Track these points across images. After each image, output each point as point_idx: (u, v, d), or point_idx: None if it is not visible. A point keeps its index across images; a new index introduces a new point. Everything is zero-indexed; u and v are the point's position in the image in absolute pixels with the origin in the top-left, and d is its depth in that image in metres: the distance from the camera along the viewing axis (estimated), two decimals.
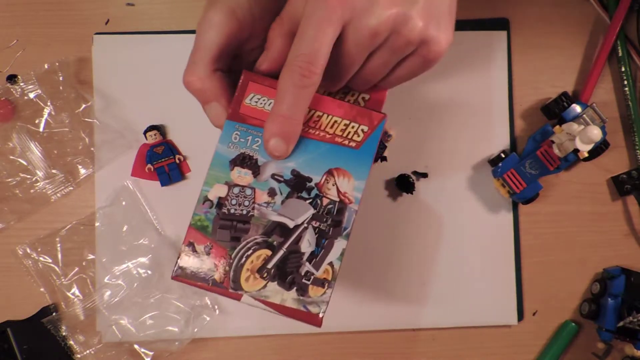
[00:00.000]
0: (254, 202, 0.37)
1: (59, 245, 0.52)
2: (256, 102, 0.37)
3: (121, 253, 0.52)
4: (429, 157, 0.55)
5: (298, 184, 0.37)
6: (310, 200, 0.37)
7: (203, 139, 0.53)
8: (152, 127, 0.53)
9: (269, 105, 0.37)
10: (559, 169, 0.53)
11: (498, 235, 0.55)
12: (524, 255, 0.55)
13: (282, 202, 0.37)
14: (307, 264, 0.37)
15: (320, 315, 0.37)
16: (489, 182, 0.55)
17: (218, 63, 0.37)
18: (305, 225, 0.37)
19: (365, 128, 0.37)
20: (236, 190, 0.37)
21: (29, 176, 0.52)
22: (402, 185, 0.54)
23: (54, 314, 0.52)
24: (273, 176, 0.37)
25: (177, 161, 0.53)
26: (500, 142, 0.55)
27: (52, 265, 0.52)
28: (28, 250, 0.52)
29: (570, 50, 0.56)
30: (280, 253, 0.37)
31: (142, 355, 0.51)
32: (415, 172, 0.55)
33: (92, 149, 0.53)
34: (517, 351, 0.55)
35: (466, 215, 0.55)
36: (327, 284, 0.37)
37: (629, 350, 0.53)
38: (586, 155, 0.51)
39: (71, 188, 0.53)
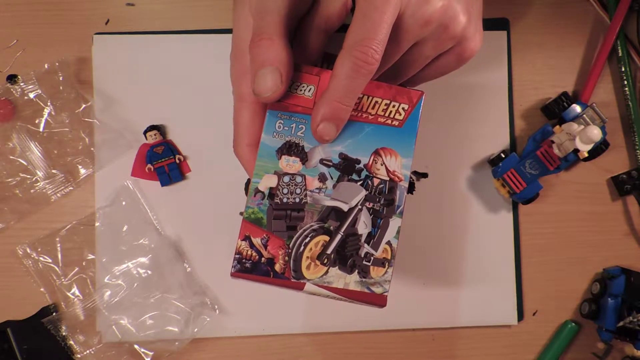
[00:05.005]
0: (305, 189, 0.37)
1: (59, 245, 0.52)
2: (295, 89, 0.37)
3: (121, 253, 0.52)
4: (429, 157, 0.55)
5: (347, 167, 0.37)
6: (361, 181, 0.37)
7: (203, 139, 0.54)
8: (152, 127, 0.53)
9: (308, 91, 0.37)
10: (559, 169, 0.53)
11: (498, 235, 0.55)
12: (524, 255, 0.55)
13: (334, 186, 0.37)
14: (366, 245, 0.37)
15: (385, 294, 0.37)
16: (489, 182, 0.55)
17: (285, 30, 0.36)
18: (360, 207, 0.37)
19: (406, 106, 0.37)
20: (286, 179, 0.37)
21: (29, 176, 0.52)
22: None
23: (54, 314, 0.52)
24: (322, 161, 0.37)
25: (177, 161, 0.53)
26: (500, 142, 0.55)
27: (52, 265, 0.52)
28: (28, 250, 0.52)
29: (570, 50, 0.56)
30: (338, 237, 0.37)
31: (142, 355, 0.51)
32: (415, 172, 0.55)
33: (92, 149, 0.53)
34: (517, 351, 0.55)
35: (466, 215, 0.55)
36: (387, 263, 0.37)
37: (629, 350, 0.53)
38: (586, 155, 0.51)
39: (71, 188, 0.53)
